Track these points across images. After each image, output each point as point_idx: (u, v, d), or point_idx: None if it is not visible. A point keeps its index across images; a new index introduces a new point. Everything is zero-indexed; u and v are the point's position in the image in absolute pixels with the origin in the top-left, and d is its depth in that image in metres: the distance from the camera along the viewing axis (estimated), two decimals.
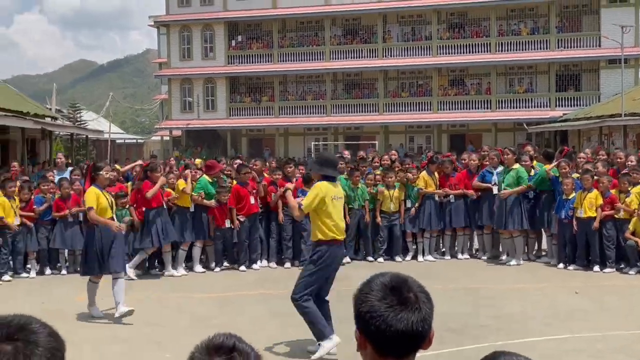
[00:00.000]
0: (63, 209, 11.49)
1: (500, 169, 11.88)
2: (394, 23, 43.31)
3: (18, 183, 11.48)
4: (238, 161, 13.66)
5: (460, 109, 41.03)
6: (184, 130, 44.87)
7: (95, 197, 7.87)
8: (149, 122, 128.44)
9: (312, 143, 41.89)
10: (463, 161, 12.63)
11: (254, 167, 12.03)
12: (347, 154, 14.76)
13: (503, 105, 40.51)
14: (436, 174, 12.24)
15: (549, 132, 38.18)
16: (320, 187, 6.60)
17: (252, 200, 11.43)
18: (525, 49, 40.06)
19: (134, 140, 60.80)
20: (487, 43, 40.71)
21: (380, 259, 12.09)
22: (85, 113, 52.71)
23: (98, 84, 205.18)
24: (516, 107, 40.19)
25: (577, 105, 38.89)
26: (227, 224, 11.49)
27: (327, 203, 6.54)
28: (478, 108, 40.82)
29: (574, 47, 39.37)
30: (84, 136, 33.15)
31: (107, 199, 8.02)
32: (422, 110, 41.54)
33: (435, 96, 41.55)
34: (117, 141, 53.73)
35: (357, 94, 43.41)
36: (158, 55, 60.70)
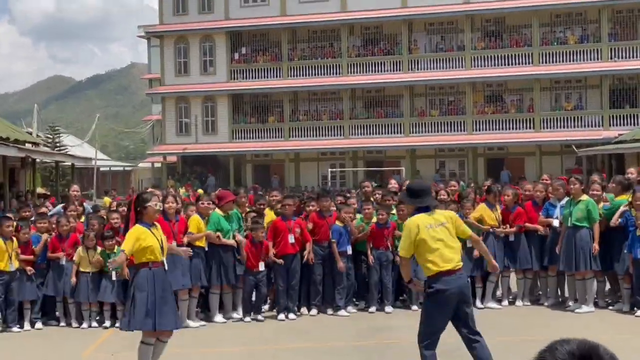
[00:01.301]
0: (58, 250, 11.52)
1: (564, 201, 11.86)
2: (421, 31, 43.64)
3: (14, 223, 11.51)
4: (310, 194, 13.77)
5: (499, 129, 41.15)
6: (179, 156, 45.12)
7: (133, 239, 7.58)
8: (133, 147, 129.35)
9: (329, 170, 42.00)
10: (527, 192, 12.62)
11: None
12: (393, 183, 14.76)
13: (548, 125, 40.59)
14: (498, 206, 12.22)
15: (602, 155, 38.13)
16: (409, 224, 7.06)
17: (292, 240, 11.43)
18: (573, 60, 40.24)
19: (121, 168, 61.06)
20: (528, 53, 40.93)
21: None
22: (66, 137, 53.07)
23: (75, 103, 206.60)
24: (563, 127, 40.25)
25: (634, 124, 38.91)
26: (261, 267, 11.49)
27: (422, 236, 6.93)
28: (519, 128, 40.93)
29: (629, 57, 39.52)
30: (67, 164, 33.34)
31: (156, 237, 7.73)
32: (454, 131, 41.69)
33: (470, 115, 41.71)
34: (102, 169, 54.07)
35: (379, 112, 43.62)
36: (148, 70, 61.32)
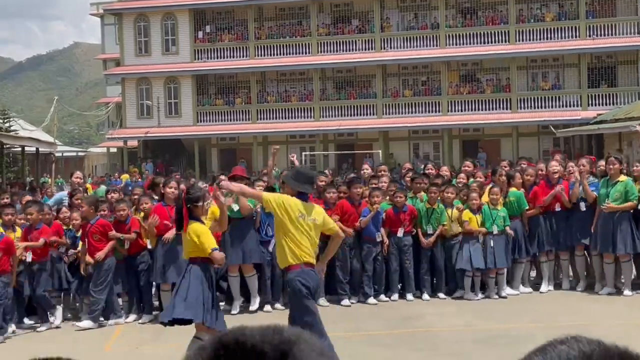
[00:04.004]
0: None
1: (591, 178, 11.90)
2: (394, 8, 43.62)
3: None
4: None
5: (474, 110, 41.35)
6: (141, 140, 44.55)
7: (208, 234, 7.59)
8: (78, 131, 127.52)
9: (304, 153, 41.81)
10: (540, 171, 12.65)
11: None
12: (366, 167, 14.58)
13: (525, 105, 40.92)
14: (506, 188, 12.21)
15: (580, 136, 38.62)
16: (288, 197, 7.19)
17: None
18: (550, 38, 40.58)
19: (74, 154, 60.16)
20: (504, 31, 41.16)
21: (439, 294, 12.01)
22: (16, 122, 51.93)
23: (15, 86, 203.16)
24: (540, 107, 40.62)
25: (613, 103, 39.41)
26: None
27: (291, 218, 7.01)
28: (495, 109, 41.17)
29: (607, 34, 39.96)
30: (16, 150, 32.88)
31: None
32: (428, 112, 41.80)
33: (445, 95, 41.85)
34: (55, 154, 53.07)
35: (351, 93, 43.54)
36: (102, 50, 60.43)
